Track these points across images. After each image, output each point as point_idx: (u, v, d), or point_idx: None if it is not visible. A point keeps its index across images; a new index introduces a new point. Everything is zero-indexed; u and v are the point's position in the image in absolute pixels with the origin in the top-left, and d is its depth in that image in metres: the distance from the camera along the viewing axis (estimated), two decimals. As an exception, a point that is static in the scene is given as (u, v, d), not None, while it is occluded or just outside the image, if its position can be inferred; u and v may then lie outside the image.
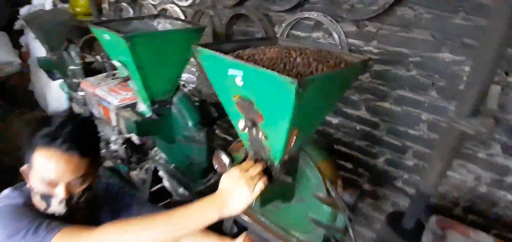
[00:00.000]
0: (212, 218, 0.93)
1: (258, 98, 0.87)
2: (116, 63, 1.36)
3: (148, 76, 1.36)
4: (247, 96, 0.89)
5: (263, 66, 0.89)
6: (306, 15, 1.57)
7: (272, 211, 1.35)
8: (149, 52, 1.28)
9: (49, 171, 0.94)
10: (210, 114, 1.73)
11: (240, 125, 1.00)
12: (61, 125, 0.96)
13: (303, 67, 0.90)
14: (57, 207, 0.98)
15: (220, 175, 1.06)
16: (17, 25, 3.91)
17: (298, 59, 0.95)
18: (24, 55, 3.96)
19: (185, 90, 1.74)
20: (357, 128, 1.65)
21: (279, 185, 1.09)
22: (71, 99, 2.82)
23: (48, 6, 3.28)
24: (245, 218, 1.43)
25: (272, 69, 0.86)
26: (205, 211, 0.94)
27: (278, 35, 1.70)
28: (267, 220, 1.39)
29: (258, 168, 0.98)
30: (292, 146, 1.00)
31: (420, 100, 1.42)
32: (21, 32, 3.96)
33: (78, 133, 0.98)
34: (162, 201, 2.09)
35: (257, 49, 1.05)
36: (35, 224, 0.92)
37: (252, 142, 1.04)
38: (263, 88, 0.82)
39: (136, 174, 2.20)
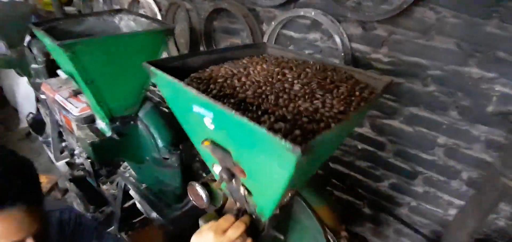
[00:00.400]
0: None
1: (238, 150, 0.55)
2: (61, 74, 1.01)
3: (102, 90, 1.02)
4: (221, 144, 0.58)
5: (245, 105, 0.57)
6: (302, 13, 1.25)
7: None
8: (99, 62, 0.94)
9: (10, 235, 0.75)
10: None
11: (215, 170, 0.69)
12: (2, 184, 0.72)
13: (305, 101, 0.58)
14: None
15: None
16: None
17: (296, 85, 0.63)
18: (-9, 47, 3.47)
19: (155, 98, 1.39)
20: (359, 147, 1.36)
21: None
22: (37, 99, 2.43)
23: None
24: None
25: (259, 113, 0.54)
26: None
27: (266, 35, 1.37)
28: None
29: (240, 228, 0.69)
30: (286, 200, 0.70)
31: (438, 120, 1.14)
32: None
33: (24, 185, 0.76)
34: (135, 217, 1.79)
35: (237, 66, 0.72)
36: None
37: (232, 192, 0.73)
38: (244, 141, 0.51)
39: (106, 189, 1.87)
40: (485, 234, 1.23)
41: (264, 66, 0.73)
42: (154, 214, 1.46)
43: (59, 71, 1.08)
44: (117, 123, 1.17)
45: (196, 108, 0.54)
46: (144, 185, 1.48)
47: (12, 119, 3.13)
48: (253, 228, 0.74)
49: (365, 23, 1.16)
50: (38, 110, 2.46)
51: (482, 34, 0.98)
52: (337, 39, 1.19)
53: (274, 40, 1.40)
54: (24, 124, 2.99)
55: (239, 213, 0.75)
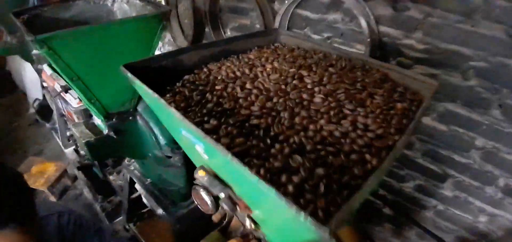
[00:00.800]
0: None
1: (242, 189, 0.41)
2: (47, 69, 0.88)
3: (91, 86, 0.89)
4: (219, 174, 0.44)
5: (249, 127, 0.42)
6: (319, -9, 1.06)
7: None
8: (83, 56, 0.80)
9: None
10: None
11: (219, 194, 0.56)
12: None
13: (329, 121, 0.43)
14: None
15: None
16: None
17: (318, 96, 0.48)
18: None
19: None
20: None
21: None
22: (43, 86, 2.34)
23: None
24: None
25: (268, 141, 0.40)
26: None
27: (279, 16, 1.19)
28: None
29: None
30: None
31: (477, 120, 0.96)
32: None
33: (14, 205, 0.68)
34: (143, 208, 1.72)
35: (242, 64, 0.57)
36: None
37: (238, 216, 0.60)
38: (250, 190, 0.37)
39: (113, 179, 1.80)
40: None
41: (276, 64, 0.57)
42: (160, 211, 1.37)
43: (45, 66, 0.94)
44: (114, 119, 1.05)
45: (185, 134, 0.41)
46: (149, 180, 1.38)
47: (21, 103, 3.08)
48: (262, 256, 0.62)
49: (396, 3, 0.97)
50: (44, 96, 2.39)
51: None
52: (362, 22, 1.00)
53: (287, 21, 1.22)
54: (32, 109, 2.94)
55: (245, 237, 0.64)
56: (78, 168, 1.96)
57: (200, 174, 0.46)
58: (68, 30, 0.76)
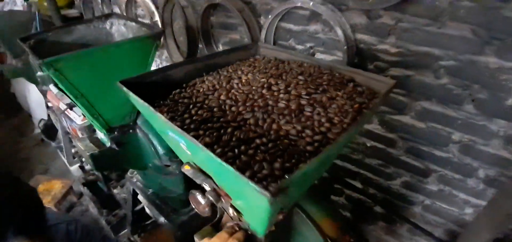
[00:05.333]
0: None
1: (218, 177, 0.51)
2: (53, 89, 1.00)
3: (94, 103, 1.00)
4: (202, 167, 0.54)
5: (223, 121, 0.53)
6: (299, 4, 1.17)
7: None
8: (86, 75, 0.92)
9: None
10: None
11: (205, 186, 0.65)
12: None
13: (290, 119, 0.53)
14: None
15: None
16: (-8, 22, 3.49)
17: (282, 102, 0.58)
18: (2, 57, 3.56)
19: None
20: (368, 144, 1.29)
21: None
22: (47, 106, 2.47)
23: (20, 3, 2.86)
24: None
25: (235, 142, 0.50)
26: None
27: (264, 29, 1.30)
28: None
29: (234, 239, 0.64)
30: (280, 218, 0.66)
31: (452, 115, 1.05)
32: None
33: (22, 216, 0.75)
34: (147, 220, 1.81)
35: (222, 78, 0.67)
36: None
37: (225, 209, 0.69)
38: (221, 174, 0.47)
39: (117, 193, 1.90)
40: (504, 233, 1.14)
41: (250, 76, 0.68)
42: (162, 219, 1.46)
43: (51, 86, 1.06)
44: (116, 132, 1.16)
45: (171, 134, 0.51)
46: (150, 191, 1.48)
47: (26, 124, 3.23)
48: (250, 242, 0.70)
49: (370, 11, 1.07)
50: (49, 116, 2.52)
51: (500, 19, 0.88)
52: (339, 31, 1.10)
53: (272, 34, 1.33)
54: (37, 130, 3.09)
55: (234, 229, 0.72)
56: (83, 184, 2.07)
57: (186, 169, 0.56)
58: (71, 53, 0.88)
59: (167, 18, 1.73)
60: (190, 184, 1.27)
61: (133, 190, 1.60)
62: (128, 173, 1.61)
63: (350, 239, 0.87)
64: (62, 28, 1.18)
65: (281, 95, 0.59)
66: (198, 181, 0.56)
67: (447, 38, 0.97)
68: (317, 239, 0.84)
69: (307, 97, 0.59)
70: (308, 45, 1.26)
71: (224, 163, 0.38)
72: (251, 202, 0.45)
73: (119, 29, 1.22)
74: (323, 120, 0.53)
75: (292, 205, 0.78)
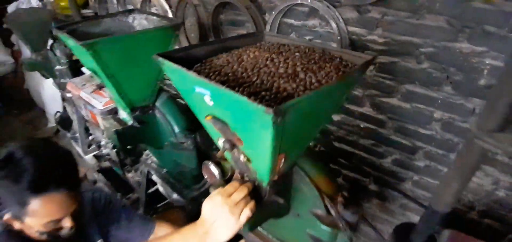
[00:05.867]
0: None
1: (233, 121, 0.71)
2: (86, 71, 1.20)
3: (122, 83, 1.21)
4: (220, 117, 0.73)
5: (236, 81, 0.72)
6: (299, 1, 1.37)
7: (270, 223, 1.21)
8: (118, 58, 1.12)
9: (53, 214, 0.94)
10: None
11: (219, 143, 0.85)
12: (47, 170, 0.91)
13: (287, 80, 0.73)
14: (66, 234, 1.00)
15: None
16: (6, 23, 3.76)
17: (281, 68, 0.78)
18: (16, 54, 3.84)
19: (171, 91, 1.58)
20: (361, 126, 1.48)
21: (269, 206, 0.94)
22: (63, 99, 2.70)
23: (35, 2, 3.11)
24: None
25: (246, 86, 0.69)
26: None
27: (268, 25, 1.51)
28: (264, 231, 1.26)
29: (243, 192, 0.83)
30: (281, 167, 0.85)
31: (433, 96, 1.24)
32: (10, 31, 3.81)
33: (64, 172, 0.95)
34: (159, 202, 2.00)
35: (233, 54, 0.88)
36: None
37: (235, 162, 0.89)
38: (236, 111, 0.66)
39: (131, 177, 2.10)
40: (487, 206, 1.32)
41: (257, 53, 0.87)
42: (175, 195, 1.66)
43: (83, 69, 1.26)
44: (137, 112, 1.36)
45: (198, 89, 0.70)
46: (164, 170, 1.68)
47: (39, 119, 3.47)
48: (257, 194, 0.89)
49: (359, 7, 1.27)
50: (64, 108, 2.74)
51: (471, 10, 1.07)
52: (334, 25, 1.31)
53: (276, 28, 1.53)
54: (51, 123, 3.32)
55: (244, 180, 0.91)
56: (98, 171, 2.28)
57: (207, 119, 0.75)
58: (107, 37, 1.09)
59: (179, 16, 1.94)
60: (201, 159, 1.47)
61: (148, 172, 1.80)
62: (144, 156, 1.81)
63: (343, 196, 1.05)
64: (91, 20, 1.40)
65: (281, 65, 0.78)
66: (217, 128, 0.75)
67: (426, 28, 1.16)
68: (314, 195, 1.03)
69: (301, 66, 0.78)
70: (308, 38, 1.46)
71: (239, 94, 0.57)
72: (258, 131, 0.63)
73: (141, 23, 1.43)
74: (313, 81, 0.72)
75: (292, 164, 0.97)
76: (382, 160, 1.49)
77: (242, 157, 0.82)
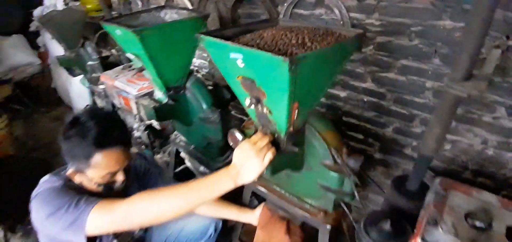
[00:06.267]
0: (228, 187, 1.09)
1: (259, 77, 1.00)
2: (130, 56, 1.52)
3: (160, 65, 1.52)
4: (249, 76, 1.02)
5: (260, 49, 1.02)
6: (308, -7, 1.66)
7: (286, 181, 1.50)
8: (159, 43, 1.43)
9: (112, 166, 1.21)
10: (223, 96, 1.88)
11: (246, 102, 1.14)
12: (108, 129, 1.20)
13: (297, 46, 1.01)
14: (118, 187, 1.27)
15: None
16: (33, 26, 4.19)
17: (293, 40, 1.06)
18: (42, 55, 4.25)
19: (198, 75, 1.88)
20: (365, 99, 1.75)
21: (287, 155, 1.22)
22: (92, 93, 3.05)
23: (60, 6, 3.50)
24: (262, 189, 1.61)
25: (268, 51, 0.98)
26: (221, 181, 1.10)
27: (281, 15, 1.80)
28: (282, 189, 1.56)
29: (266, 140, 1.11)
30: (295, 119, 1.13)
31: (424, 68, 1.50)
32: (37, 33, 4.24)
33: (121, 132, 1.26)
34: (186, 180, 2.31)
35: (255, 33, 1.17)
36: (75, 199, 1.15)
37: (259, 117, 1.18)
38: (261, 68, 0.95)
39: (160, 158, 2.41)
40: (479, 164, 1.56)
41: (274, 32, 1.16)
42: (201, 168, 1.96)
43: (127, 54, 1.56)
44: (171, 91, 1.67)
45: (232, 55, 0.99)
46: (192, 146, 1.99)
47: (67, 115, 3.83)
48: (276, 143, 1.17)
49: (359, -5, 1.55)
50: (94, 101, 3.10)
51: (450, -8, 1.34)
52: (337, 12, 1.59)
53: (288, 18, 1.83)
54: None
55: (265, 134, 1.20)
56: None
57: (238, 79, 1.04)
58: (151, 26, 1.40)
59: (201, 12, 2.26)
60: (226, 130, 1.77)
61: (176, 151, 2.11)
62: (172, 136, 2.12)
63: (348, 148, 1.33)
64: (130, 15, 1.72)
65: (293, 38, 1.07)
66: (246, 85, 1.04)
67: (415, 10, 1.43)
68: (323, 147, 1.30)
69: (308, 38, 1.07)
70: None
71: (263, 51, 0.86)
72: (278, 81, 0.91)
73: (172, 16, 1.74)
74: (317, 47, 1.01)
75: (304, 122, 1.25)
76: (385, 130, 1.76)
77: (265, 110, 1.10)
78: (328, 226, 1.43)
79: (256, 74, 0.99)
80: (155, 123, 2.15)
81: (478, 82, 1.05)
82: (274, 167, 1.17)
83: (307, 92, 1.08)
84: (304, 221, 1.53)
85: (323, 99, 1.92)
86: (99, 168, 1.20)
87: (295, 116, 1.12)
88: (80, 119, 1.24)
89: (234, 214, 1.66)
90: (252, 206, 1.71)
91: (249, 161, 1.07)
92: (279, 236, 1.53)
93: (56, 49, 3.62)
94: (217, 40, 1.03)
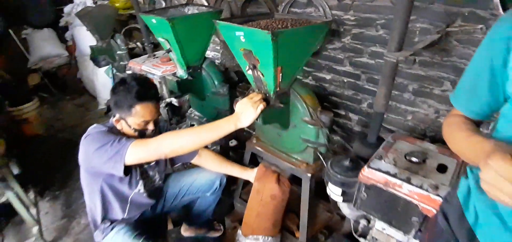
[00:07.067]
0: (230, 129, 1.66)
1: (254, 48, 1.60)
2: (160, 39, 2.16)
3: (184, 47, 2.15)
4: (248, 48, 1.63)
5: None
6: (301, -5, 2.27)
7: (277, 140, 2.10)
8: (184, 30, 2.06)
9: (147, 115, 1.76)
10: (232, 78, 2.50)
11: (247, 69, 1.74)
12: (146, 88, 1.78)
13: (281, 28, 1.62)
14: (148, 134, 1.81)
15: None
16: (62, 22, 4.96)
17: (280, 25, 1.67)
18: (70, 48, 5.01)
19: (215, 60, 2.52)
20: (345, 80, 2.33)
21: (275, 109, 1.81)
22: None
23: (89, 4, 4.24)
24: (260, 149, 2.20)
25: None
26: (225, 124, 1.67)
27: (280, 12, 2.42)
28: (274, 148, 2.14)
29: (259, 96, 1.70)
30: (280, 81, 1.72)
31: (387, 52, 2.07)
32: (66, 28, 5.01)
33: (155, 91, 1.85)
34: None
35: (255, 22, 1.78)
36: (118, 138, 1.73)
37: (255, 80, 1.77)
38: (255, 41, 1.56)
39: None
40: (434, 131, 2.11)
41: (268, 21, 1.78)
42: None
43: (158, 38, 2.19)
44: (190, 69, 2.30)
45: (237, 33, 1.60)
46: (205, 119, 2.60)
47: (89, 103, 4.56)
48: (267, 101, 1.76)
49: (339, -4, 2.15)
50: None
51: (404, -5, 1.92)
52: (321, 10, 2.19)
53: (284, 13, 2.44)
54: (101, 106, 4.38)
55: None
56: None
57: (241, 50, 1.64)
58: (179, 16, 2.03)
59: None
60: (232, 102, 2.38)
61: (191, 124, 2.73)
62: (188, 112, 2.75)
63: (321, 108, 1.91)
64: (160, 9, 2.37)
65: (280, 24, 1.67)
66: (246, 55, 1.65)
67: (379, 7, 2.02)
68: (303, 106, 1.89)
69: (291, 24, 1.67)
70: (306, 18, 2.35)
71: (257, 28, 1.46)
72: (266, 50, 1.51)
73: (193, 11, 2.38)
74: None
75: (288, 86, 1.84)
76: (361, 105, 2.33)
77: (259, 74, 1.71)
78: (309, 174, 2.01)
79: (252, 46, 1.59)
80: (174, 101, 2.78)
81: (405, 52, 1.62)
82: (265, 117, 1.76)
83: (288, 60, 1.66)
84: (291, 172, 2.11)
85: (312, 82, 2.51)
86: (137, 116, 1.78)
87: (280, 79, 1.71)
88: (126, 80, 1.86)
89: (237, 171, 2.23)
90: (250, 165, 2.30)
91: (246, 109, 1.64)
92: (271, 185, 2.11)
93: (82, 42, 4.35)
94: (228, 23, 1.64)
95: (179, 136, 1.70)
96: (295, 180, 2.19)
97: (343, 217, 2.35)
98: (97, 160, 1.68)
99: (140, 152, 1.66)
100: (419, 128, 2.14)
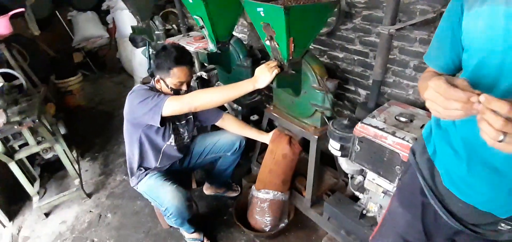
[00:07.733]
0: (249, 88, 2.17)
1: (271, 21, 2.10)
2: (195, 17, 2.71)
3: (215, 24, 2.68)
4: (266, 21, 2.13)
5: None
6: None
7: (290, 107, 2.59)
8: (215, 9, 2.59)
9: (182, 77, 2.29)
10: (256, 55, 3.01)
11: (266, 40, 2.25)
12: (183, 54, 2.32)
13: (295, 5, 2.11)
14: (182, 93, 2.36)
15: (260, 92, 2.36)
16: (104, 5, 5.71)
17: (294, 4, 2.16)
18: (110, 31, 5.76)
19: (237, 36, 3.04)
20: (355, 58, 2.77)
21: (288, 75, 2.29)
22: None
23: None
24: (275, 115, 2.70)
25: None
26: (245, 85, 2.19)
27: None
28: (288, 114, 2.64)
29: (275, 63, 2.20)
30: (293, 51, 2.21)
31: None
32: (107, 12, 5.75)
33: (190, 57, 2.38)
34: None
35: (274, 0, 2.28)
36: (158, 94, 2.29)
37: (272, 50, 2.28)
38: (272, 15, 2.06)
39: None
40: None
41: (286, 0, 2.27)
42: (235, 105, 3.10)
43: (194, 16, 2.74)
44: (220, 44, 2.84)
45: (258, 9, 2.11)
46: (229, 89, 3.13)
47: (127, 81, 5.25)
48: (281, 67, 2.26)
49: (351, -18, 2.60)
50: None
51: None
52: (336, -8, 2.65)
53: (305, -2, 2.92)
54: (137, 84, 5.07)
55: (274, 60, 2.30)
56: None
57: (261, 23, 2.14)
58: (212, -2, 2.58)
59: None
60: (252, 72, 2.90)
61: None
62: (216, 84, 3.30)
63: (327, 77, 2.37)
64: None
65: (294, 3, 2.15)
66: (265, 27, 2.15)
67: (385, -8, 2.45)
68: (313, 74, 2.36)
69: (303, 3, 2.15)
70: (323, 2, 2.82)
71: (273, 4, 1.95)
72: (280, 23, 1.99)
73: None
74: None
75: (300, 57, 2.32)
76: (369, 81, 2.76)
77: (275, 43, 2.21)
78: (316, 136, 2.48)
79: (270, 19, 2.09)
80: (204, 74, 3.33)
81: (396, 26, 2.06)
82: (279, 81, 2.25)
83: (299, 32, 2.14)
84: (301, 135, 2.60)
85: (328, 60, 2.97)
86: (174, 77, 2.33)
87: (292, 49, 2.20)
88: (166, 47, 2.42)
89: (255, 134, 2.74)
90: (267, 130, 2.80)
91: (263, 73, 2.16)
92: (283, 146, 2.59)
93: (123, 25, 5.05)
94: (251, 0, 2.16)
95: (207, 93, 2.23)
96: (305, 148, 2.67)
97: (347, 184, 2.79)
98: (140, 111, 2.16)
99: (175, 105, 2.19)
100: (420, 101, 2.54)
